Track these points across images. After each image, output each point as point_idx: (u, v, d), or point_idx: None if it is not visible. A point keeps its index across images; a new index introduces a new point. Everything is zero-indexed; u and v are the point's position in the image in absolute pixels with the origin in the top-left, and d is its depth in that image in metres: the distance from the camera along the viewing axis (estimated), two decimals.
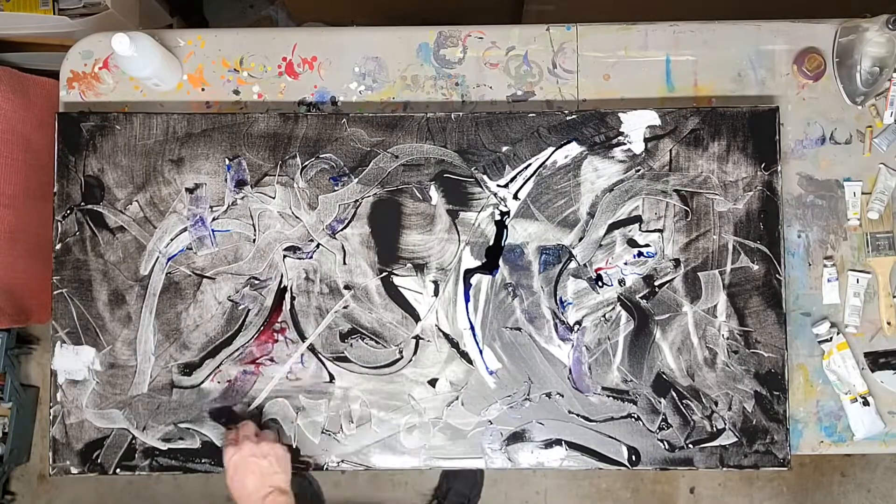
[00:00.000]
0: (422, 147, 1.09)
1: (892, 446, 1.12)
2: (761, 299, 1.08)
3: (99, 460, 1.07)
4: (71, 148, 1.09)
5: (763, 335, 1.08)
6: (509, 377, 1.08)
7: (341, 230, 1.09)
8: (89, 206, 1.09)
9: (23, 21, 1.42)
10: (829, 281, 1.12)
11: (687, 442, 1.07)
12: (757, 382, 1.08)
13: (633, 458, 1.07)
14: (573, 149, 1.09)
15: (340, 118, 1.09)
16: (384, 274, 1.09)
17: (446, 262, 1.09)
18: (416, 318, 1.08)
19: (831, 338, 1.10)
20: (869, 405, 1.10)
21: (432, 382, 1.08)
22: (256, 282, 1.08)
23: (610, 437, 1.07)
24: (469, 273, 1.09)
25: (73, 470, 1.07)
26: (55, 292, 1.08)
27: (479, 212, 1.09)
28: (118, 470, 1.07)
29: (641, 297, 1.08)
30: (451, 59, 1.16)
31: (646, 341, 1.08)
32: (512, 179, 1.09)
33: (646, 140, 1.09)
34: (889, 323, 1.12)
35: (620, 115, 1.09)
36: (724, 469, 1.08)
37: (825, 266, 1.12)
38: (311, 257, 1.09)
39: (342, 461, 1.08)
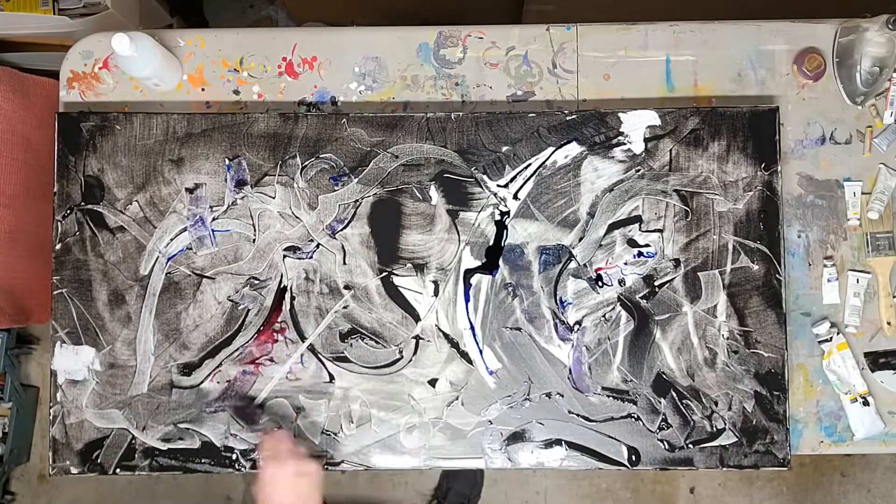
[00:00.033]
0: (422, 147, 1.09)
1: (892, 446, 1.12)
2: (761, 299, 1.08)
3: (99, 460, 1.07)
4: (71, 148, 1.09)
5: (763, 335, 1.08)
6: (509, 377, 1.08)
7: (341, 230, 1.09)
8: (89, 206, 1.09)
9: (23, 21, 1.42)
10: (829, 281, 1.12)
11: (687, 442, 1.07)
12: (757, 382, 1.08)
13: (633, 458, 1.07)
14: (573, 149, 1.09)
15: (340, 118, 1.09)
16: (384, 274, 1.08)
17: (446, 262, 1.09)
18: (416, 318, 1.08)
19: (831, 338, 1.10)
20: (869, 405, 1.10)
21: (432, 382, 1.08)
22: (256, 282, 1.08)
23: (610, 437, 1.07)
24: (469, 273, 1.09)
25: (73, 470, 1.07)
26: (55, 292, 1.08)
27: (479, 212, 1.09)
28: (118, 470, 1.07)
29: (641, 297, 1.08)
30: (451, 59, 1.16)
31: (646, 341, 1.08)
32: (512, 179, 1.09)
33: (646, 140, 1.09)
34: (889, 323, 1.12)
35: (620, 115, 1.09)
36: (724, 469, 1.08)
37: (825, 266, 1.12)
38: (310, 257, 1.09)
39: (342, 461, 1.08)
